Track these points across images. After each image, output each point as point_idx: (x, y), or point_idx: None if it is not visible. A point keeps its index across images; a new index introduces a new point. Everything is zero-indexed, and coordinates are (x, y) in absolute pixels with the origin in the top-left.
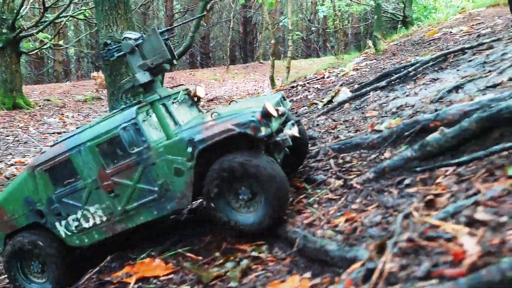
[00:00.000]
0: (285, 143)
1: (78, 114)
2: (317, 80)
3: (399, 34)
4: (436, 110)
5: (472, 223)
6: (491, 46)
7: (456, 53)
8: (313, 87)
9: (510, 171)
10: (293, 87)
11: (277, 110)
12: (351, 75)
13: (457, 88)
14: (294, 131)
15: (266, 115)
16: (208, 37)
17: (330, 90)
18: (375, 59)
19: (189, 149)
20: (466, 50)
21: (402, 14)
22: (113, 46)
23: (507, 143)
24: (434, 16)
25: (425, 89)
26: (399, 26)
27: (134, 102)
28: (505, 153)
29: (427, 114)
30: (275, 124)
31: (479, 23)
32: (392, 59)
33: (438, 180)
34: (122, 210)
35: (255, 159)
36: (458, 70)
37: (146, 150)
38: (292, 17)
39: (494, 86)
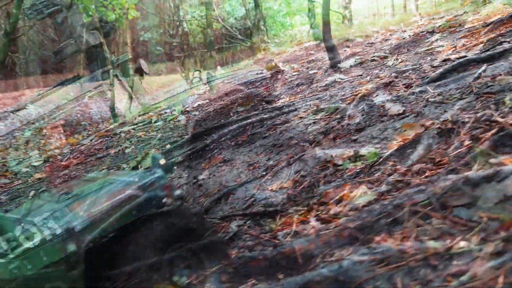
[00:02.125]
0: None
1: None
2: (143, 125)
3: (243, 62)
4: None
5: None
6: (287, 120)
7: (255, 124)
8: (136, 136)
9: None
10: (116, 134)
11: None
12: (177, 123)
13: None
14: None
15: None
16: (61, 53)
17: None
18: (208, 99)
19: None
20: (265, 122)
21: (250, 40)
22: (38, 1)
23: None
24: (290, 33)
25: (214, 176)
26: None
27: None
28: None
29: None
30: None
31: (311, 61)
32: (223, 101)
33: None
34: None
35: None
36: (250, 150)
37: None
38: (153, 32)
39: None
